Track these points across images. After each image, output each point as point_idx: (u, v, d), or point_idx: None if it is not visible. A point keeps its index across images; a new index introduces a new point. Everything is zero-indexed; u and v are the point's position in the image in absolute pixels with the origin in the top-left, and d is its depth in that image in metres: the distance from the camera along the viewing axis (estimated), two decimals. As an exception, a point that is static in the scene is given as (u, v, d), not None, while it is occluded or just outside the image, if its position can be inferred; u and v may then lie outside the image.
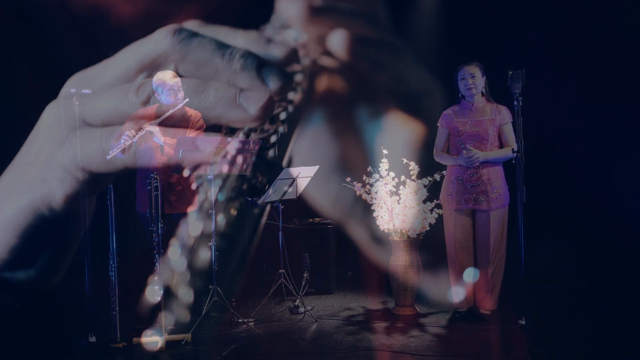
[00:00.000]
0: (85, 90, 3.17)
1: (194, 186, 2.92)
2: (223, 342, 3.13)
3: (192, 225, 2.47)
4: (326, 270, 4.21)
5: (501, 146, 3.38)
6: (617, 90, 4.19)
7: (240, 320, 3.44)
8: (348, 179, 3.73)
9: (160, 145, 3.19)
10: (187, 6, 3.56)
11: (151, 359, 2.96)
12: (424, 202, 3.63)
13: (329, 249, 4.21)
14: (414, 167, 3.63)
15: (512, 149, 3.26)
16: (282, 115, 2.75)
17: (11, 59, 3.49)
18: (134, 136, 3.14)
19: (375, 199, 3.68)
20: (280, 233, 3.71)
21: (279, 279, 3.71)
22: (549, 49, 4.32)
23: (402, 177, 3.67)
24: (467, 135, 3.36)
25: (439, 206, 3.60)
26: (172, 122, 3.32)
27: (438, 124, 3.50)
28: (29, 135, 3.06)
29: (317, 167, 3.64)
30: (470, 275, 3.33)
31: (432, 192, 3.62)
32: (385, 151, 3.65)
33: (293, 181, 3.46)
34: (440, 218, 3.58)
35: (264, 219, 3.63)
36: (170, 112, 3.23)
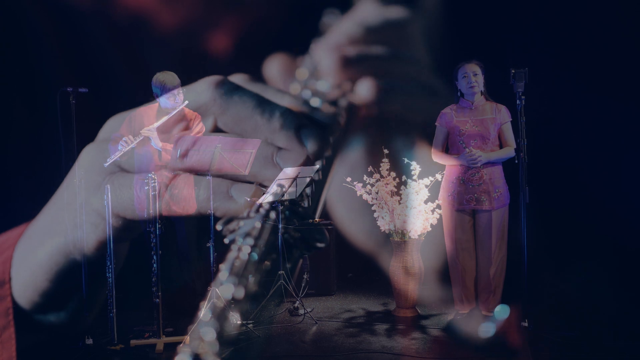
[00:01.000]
0: (82, 89, 3.17)
1: (218, 227, 2.93)
2: (222, 345, 3.12)
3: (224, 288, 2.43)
4: (326, 272, 4.21)
5: (501, 145, 3.39)
6: (622, 88, 4.19)
7: (239, 322, 3.44)
8: (348, 179, 3.72)
9: (158, 151, 3.19)
10: (229, 15, 3.56)
11: (149, 362, 2.97)
12: (426, 202, 3.63)
13: (329, 250, 4.21)
14: (415, 167, 3.63)
15: (514, 149, 3.27)
16: (317, 164, 2.76)
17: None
18: (132, 142, 3.14)
19: (376, 199, 3.68)
20: (279, 234, 3.70)
21: (278, 281, 3.71)
22: (552, 46, 4.31)
23: (404, 177, 3.67)
24: (468, 134, 3.36)
25: (440, 207, 3.60)
26: (172, 125, 3.32)
27: (436, 124, 3.49)
28: (65, 178, 3.14)
29: (317, 167, 3.64)
30: (502, 313, 3.29)
31: (434, 193, 3.63)
32: (386, 151, 3.65)
33: (293, 181, 3.46)
34: (441, 219, 3.58)
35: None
36: (168, 117, 3.23)
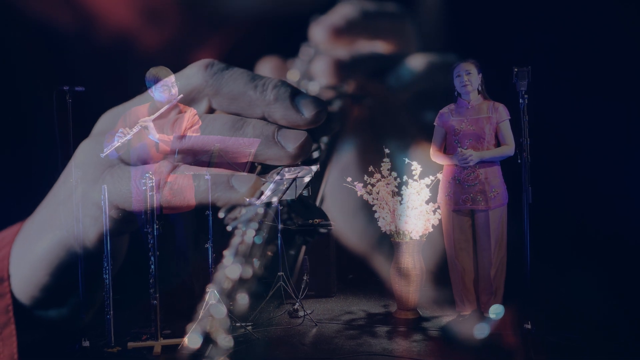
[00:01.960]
0: (79, 88, 3.17)
1: (220, 214, 2.95)
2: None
3: (230, 269, 2.46)
4: (326, 273, 4.21)
5: (498, 144, 3.39)
6: (626, 86, 4.18)
7: (238, 324, 3.44)
8: (349, 179, 3.72)
9: (155, 143, 3.19)
10: (213, 37, 3.57)
11: (146, 364, 2.97)
12: (427, 202, 3.63)
13: (329, 251, 4.20)
14: (416, 167, 3.63)
15: (513, 148, 3.28)
16: (315, 154, 2.78)
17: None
18: (128, 133, 3.14)
19: (377, 199, 3.68)
20: (279, 234, 3.71)
21: (277, 282, 3.71)
22: (555, 44, 4.31)
23: (405, 177, 3.67)
24: (463, 134, 3.37)
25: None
26: (167, 120, 3.32)
27: (435, 123, 3.51)
28: (62, 173, 3.15)
29: (317, 166, 3.64)
30: (495, 312, 3.28)
31: (435, 193, 3.62)
32: (387, 150, 3.65)
33: (292, 181, 3.46)
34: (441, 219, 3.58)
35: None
36: (164, 109, 3.23)
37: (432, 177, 3.61)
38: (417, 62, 3.76)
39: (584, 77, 4.25)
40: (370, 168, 3.72)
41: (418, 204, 3.60)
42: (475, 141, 3.34)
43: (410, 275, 3.62)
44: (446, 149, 3.48)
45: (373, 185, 3.69)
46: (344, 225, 4.23)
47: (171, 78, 3.30)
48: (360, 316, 3.72)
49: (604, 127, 4.30)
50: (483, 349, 3.04)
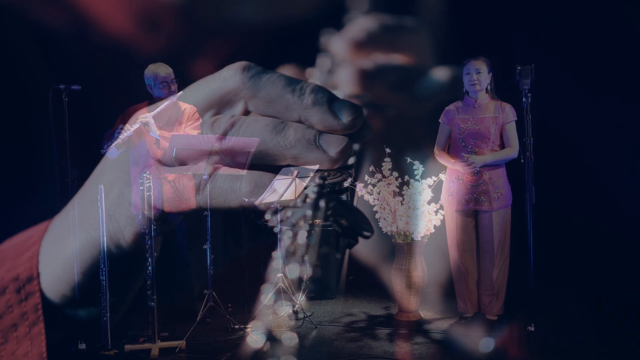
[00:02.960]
0: (75, 86, 3.16)
1: (267, 217, 2.98)
2: (218, 350, 3.12)
3: (290, 269, 2.48)
4: (327, 275, 4.20)
5: (503, 145, 3.38)
6: (632, 84, 4.17)
7: (236, 326, 3.43)
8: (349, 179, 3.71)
9: (156, 140, 3.18)
10: (211, 43, 3.58)
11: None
12: (429, 203, 3.62)
13: (330, 252, 4.20)
14: (418, 167, 3.62)
15: (517, 149, 3.27)
16: (351, 160, 2.83)
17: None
18: (129, 130, 3.13)
19: (378, 199, 3.67)
20: (278, 235, 3.70)
21: (277, 284, 3.70)
22: (559, 41, 4.30)
23: (406, 177, 3.66)
24: (468, 133, 3.36)
25: (443, 207, 3.59)
26: (166, 117, 3.31)
27: (440, 120, 3.49)
28: (94, 171, 3.17)
29: (317, 166, 3.63)
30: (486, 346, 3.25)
31: (437, 193, 3.62)
32: (388, 150, 3.64)
33: (292, 181, 3.46)
34: (445, 220, 3.57)
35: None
36: (163, 105, 3.22)
37: (434, 178, 3.60)
38: (439, 74, 3.77)
39: (588, 75, 4.25)
40: (371, 168, 3.71)
41: (420, 204, 3.59)
42: (480, 141, 3.33)
43: (412, 276, 3.62)
44: (450, 148, 3.47)
45: (374, 186, 3.68)
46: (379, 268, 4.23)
47: (170, 74, 3.30)
48: (361, 318, 3.72)
49: (609, 126, 4.29)
50: (486, 352, 3.04)
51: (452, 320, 3.54)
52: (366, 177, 3.71)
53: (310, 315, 3.66)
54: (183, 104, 3.42)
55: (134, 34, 3.57)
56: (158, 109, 3.21)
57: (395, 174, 3.66)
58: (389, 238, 3.74)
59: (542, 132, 3.49)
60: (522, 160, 3.21)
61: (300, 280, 3.78)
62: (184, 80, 3.75)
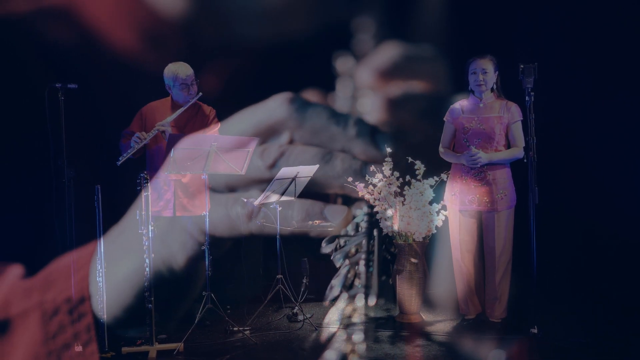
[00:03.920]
0: (72, 85, 3.15)
1: (323, 246, 3.02)
2: (217, 352, 3.12)
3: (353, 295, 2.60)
4: (327, 276, 4.19)
5: (509, 145, 3.37)
6: (637, 83, 4.16)
7: (235, 328, 3.43)
8: (349, 179, 3.71)
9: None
10: (215, 59, 3.60)
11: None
12: (430, 203, 3.62)
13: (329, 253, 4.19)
14: (419, 167, 3.61)
15: (522, 149, 3.27)
16: (392, 188, 3.02)
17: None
18: (145, 138, 3.12)
19: (379, 200, 3.66)
20: (277, 236, 3.70)
21: (276, 285, 3.70)
22: (562, 40, 4.30)
23: (407, 177, 3.66)
24: (472, 132, 3.35)
25: (445, 208, 3.59)
26: (186, 119, 3.28)
27: (445, 119, 3.49)
28: (142, 198, 3.27)
29: (317, 166, 3.63)
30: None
31: (439, 193, 3.61)
32: (389, 149, 3.63)
33: (292, 181, 3.45)
34: (447, 220, 3.57)
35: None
36: (182, 109, 3.20)
37: (436, 178, 3.59)
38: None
39: (592, 74, 4.24)
40: (372, 168, 3.70)
41: (421, 204, 3.59)
42: (485, 141, 3.33)
43: (413, 278, 3.61)
44: (455, 147, 3.47)
45: (375, 186, 3.67)
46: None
47: (191, 75, 3.27)
48: (361, 320, 3.71)
49: (613, 125, 4.28)
50: (488, 354, 3.03)
51: (454, 322, 3.53)
52: (367, 177, 3.70)
53: (310, 317, 3.66)
54: (204, 106, 3.39)
55: (136, 48, 3.59)
56: (176, 114, 3.20)
57: (396, 174, 3.65)
58: (389, 238, 3.74)
59: (546, 131, 3.49)
60: (525, 160, 3.21)
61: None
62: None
